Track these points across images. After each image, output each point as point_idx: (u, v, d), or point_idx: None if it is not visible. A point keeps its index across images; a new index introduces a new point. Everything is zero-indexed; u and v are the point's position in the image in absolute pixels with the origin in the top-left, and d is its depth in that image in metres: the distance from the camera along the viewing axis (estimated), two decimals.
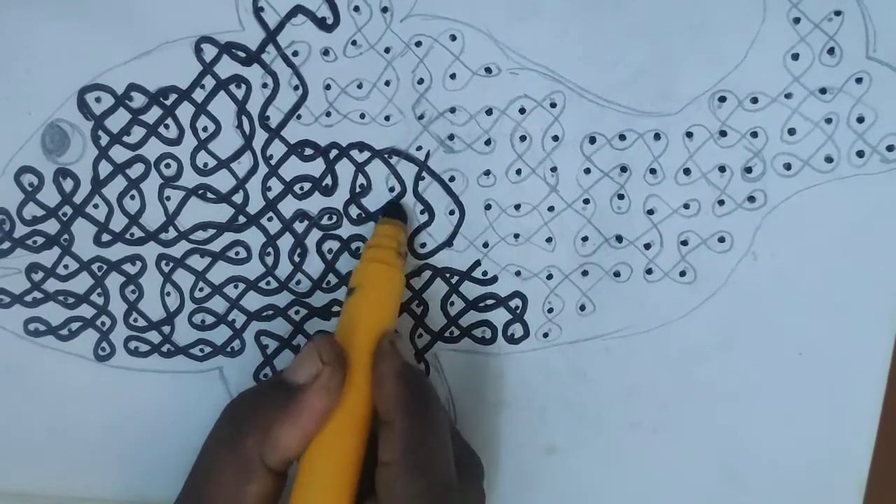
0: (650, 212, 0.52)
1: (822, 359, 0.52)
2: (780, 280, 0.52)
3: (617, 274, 0.53)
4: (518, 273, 0.53)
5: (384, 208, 0.53)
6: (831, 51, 0.49)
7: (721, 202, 0.51)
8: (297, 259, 0.54)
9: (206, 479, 0.45)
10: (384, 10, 0.50)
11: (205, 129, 0.52)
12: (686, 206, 0.51)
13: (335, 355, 0.45)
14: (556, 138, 0.51)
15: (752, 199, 0.51)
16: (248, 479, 0.44)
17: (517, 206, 0.52)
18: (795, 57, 0.49)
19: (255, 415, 0.45)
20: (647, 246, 0.52)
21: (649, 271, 0.52)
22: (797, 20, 0.49)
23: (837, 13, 0.49)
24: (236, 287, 0.55)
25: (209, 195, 0.53)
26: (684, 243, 0.52)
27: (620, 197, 0.52)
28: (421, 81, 0.51)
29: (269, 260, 0.54)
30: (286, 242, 0.54)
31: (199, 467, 0.46)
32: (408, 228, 0.53)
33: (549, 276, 0.53)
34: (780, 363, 0.53)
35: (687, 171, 0.51)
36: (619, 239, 0.52)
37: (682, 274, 0.52)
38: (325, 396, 0.44)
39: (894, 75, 0.49)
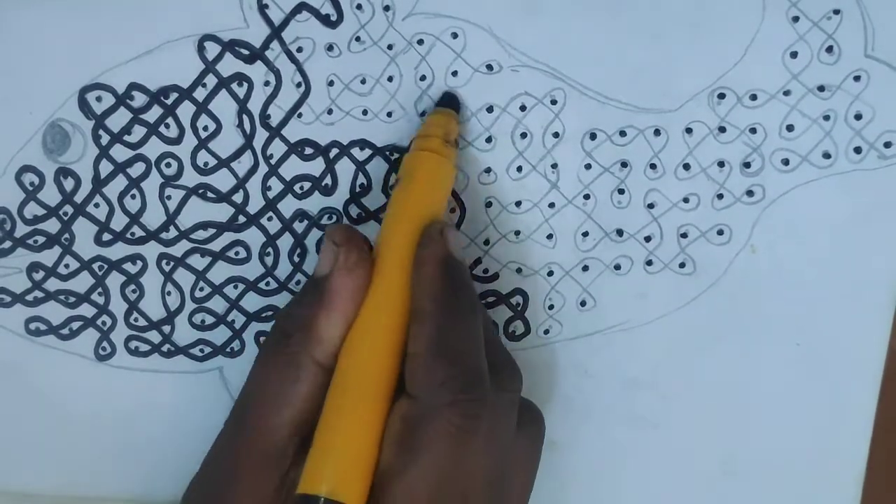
0: (650, 206, 0.52)
1: (820, 349, 0.53)
2: (778, 272, 0.52)
3: (617, 267, 0.53)
4: (519, 270, 0.53)
5: (438, 99, 0.52)
6: (830, 49, 0.49)
7: (720, 196, 0.51)
8: (296, 259, 0.54)
9: (257, 384, 0.46)
10: (386, 8, 0.50)
11: (205, 128, 0.53)
12: (686, 200, 0.52)
13: (346, 235, 0.46)
14: (556, 135, 0.52)
15: (750, 193, 0.51)
16: (297, 377, 0.44)
17: (518, 203, 0.53)
18: (794, 55, 0.50)
19: (295, 315, 0.45)
20: (648, 239, 0.52)
21: (649, 262, 0.53)
22: (796, 19, 0.49)
23: (836, 12, 0.49)
24: (236, 287, 0.55)
25: (209, 194, 0.53)
26: (684, 236, 0.52)
27: (621, 192, 0.52)
28: (423, 78, 0.51)
29: (269, 260, 0.54)
30: (286, 242, 0.54)
31: (250, 377, 0.47)
32: (460, 118, 0.52)
33: (550, 273, 0.53)
34: (777, 354, 0.53)
35: (686, 167, 0.51)
36: (620, 233, 0.52)
37: (682, 265, 0.52)
38: (346, 275, 0.45)
39: (892, 73, 0.49)
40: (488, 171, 0.52)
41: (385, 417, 0.44)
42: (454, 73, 0.51)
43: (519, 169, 0.52)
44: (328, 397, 0.44)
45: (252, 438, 0.45)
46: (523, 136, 0.52)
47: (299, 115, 0.52)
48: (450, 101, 0.52)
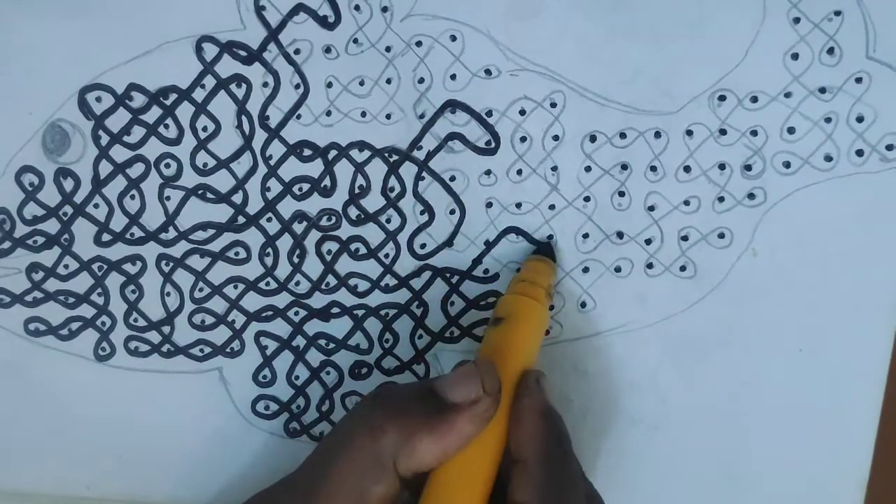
0: (651, 208, 0.52)
1: (823, 355, 0.52)
2: (780, 276, 0.52)
3: (618, 269, 0.53)
4: (519, 271, 0.53)
5: (536, 244, 0.53)
6: (831, 51, 0.49)
7: (721, 199, 0.51)
8: (296, 260, 0.54)
9: (337, 463, 0.44)
10: (384, 9, 0.50)
11: (204, 128, 0.53)
12: (686, 203, 0.51)
13: (497, 387, 0.45)
14: (556, 138, 0.51)
15: (751, 196, 0.51)
16: (377, 478, 0.43)
17: (518, 205, 0.52)
18: (795, 56, 0.49)
19: (400, 419, 0.44)
20: (648, 241, 0.52)
21: (650, 265, 0.52)
22: (797, 20, 0.49)
23: (837, 13, 0.49)
24: (236, 287, 0.55)
25: (209, 195, 0.53)
26: (685, 239, 0.52)
27: (621, 194, 0.52)
28: (421, 81, 0.51)
29: (269, 260, 0.54)
30: (285, 243, 0.54)
31: (331, 448, 0.46)
32: (556, 272, 0.53)
33: None
34: (780, 359, 0.53)
35: (687, 169, 0.51)
36: (620, 235, 0.52)
37: (683, 269, 0.52)
38: (476, 424, 0.44)
39: (893, 75, 0.49)
40: (488, 173, 0.52)
41: None
42: (453, 77, 0.51)
43: (519, 172, 0.52)
44: None
45: None
46: (523, 139, 0.52)
47: (298, 117, 0.52)
48: (549, 252, 0.53)
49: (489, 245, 0.53)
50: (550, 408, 0.46)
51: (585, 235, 0.53)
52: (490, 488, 0.45)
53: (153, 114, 0.52)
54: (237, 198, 0.53)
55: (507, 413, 0.46)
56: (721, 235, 0.52)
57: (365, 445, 0.44)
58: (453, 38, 0.51)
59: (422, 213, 0.53)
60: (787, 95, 0.50)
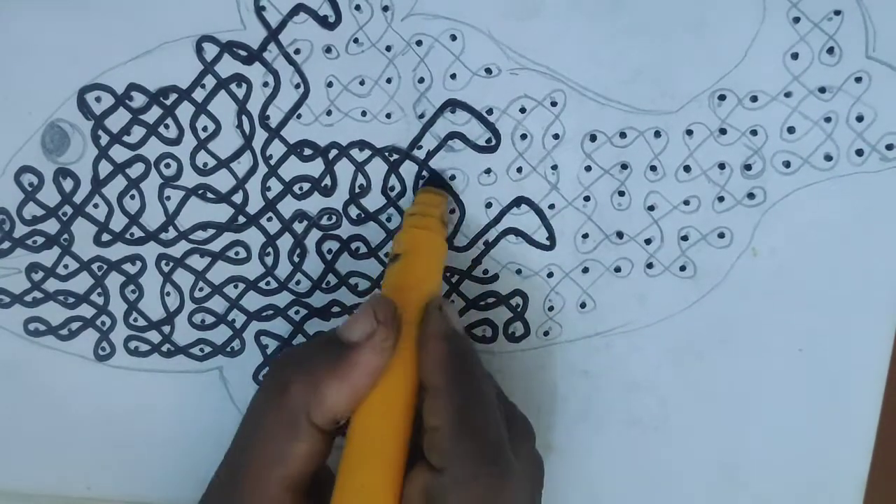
0: (651, 208, 0.52)
1: (822, 355, 0.53)
2: (780, 276, 0.52)
3: (617, 269, 0.53)
4: (519, 271, 0.53)
5: (425, 178, 0.53)
6: (831, 50, 0.49)
7: (721, 199, 0.51)
8: (296, 259, 0.54)
9: (252, 436, 0.44)
10: (385, 8, 0.50)
11: (205, 128, 0.53)
12: (686, 203, 0.51)
13: (391, 315, 0.45)
14: (556, 136, 0.51)
15: (751, 195, 0.51)
16: (295, 435, 0.43)
17: (518, 204, 0.52)
18: (795, 56, 0.49)
19: (304, 370, 0.44)
20: (648, 241, 0.52)
21: (650, 265, 0.52)
22: (797, 20, 0.49)
23: (837, 13, 0.49)
24: (236, 287, 0.55)
25: (209, 195, 0.53)
26: (684, 238, 0.52)
27: (621, 194, 0.52)
28: (422, 80, 0.51)
29: (269, 260, 0.54)
30: (286, 242, 0.54)
31: (245, 423, 0.45)
32: (448, 200, 0.53)
33: (550, 275, 0.53)
34: (779, 359, 0.53)
35: (687, 169, 0.51)
36: (620, 235, 0.52)
37: (683, 268, 0.52)
38: (377, 355, 0.44)
39: (893, 74, 0.49)
40: (488, 171, 0.52)
41: (400, 489, 0.44)
42: (453, 76, 0.51)
43: (519, 170, 0.52)
44: (341, 466, 0.44)
45: (244, 492, 0.44)
46: (523, 137, 0.52)
47: (298, 116, 0.52)
48: (438, 181, 0.53)
49: (489, 245, 0.53)
50: (453, 330, 0.46)
51: (585, 235, 0.53)
52: (411, 419, 0.45)
53: (153, 114, 0.52)
54: (237, 197, 0.53)
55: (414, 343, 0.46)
56: (721, 235, 0.52)
57: (273, 407, 0.44)
58: (453, 38, 0.51)
59: None
60: (787, 95, 0.50)
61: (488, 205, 0.53)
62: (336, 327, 0.45)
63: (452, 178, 0.52)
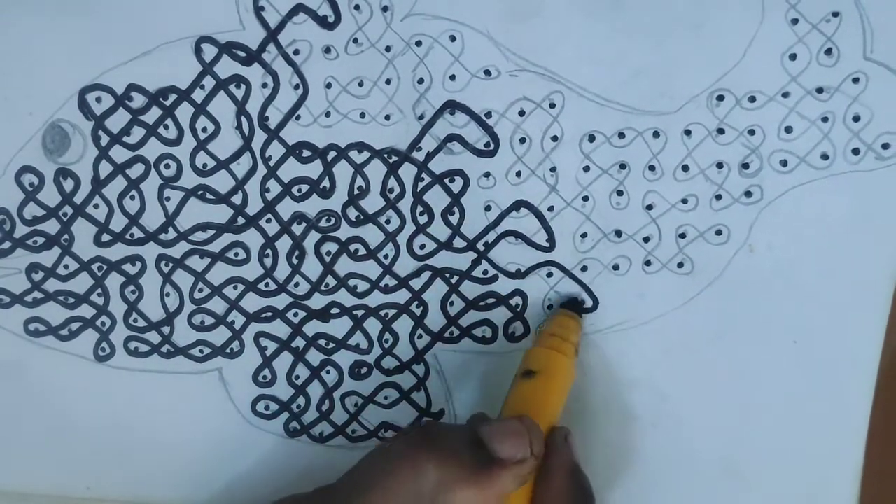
0: (649, 207, 0.52)
1: (816, 347, 0.53)
2: (776, 271, 0.52)
3: (616, 267, 0.53)
4: (518, 271, 0.53)
5: (563, 299, 0.54)
6: (829, 51, 0.49)
7: (718, 197, 0.51)
8: (295, 261, 0.54)
9: (375, 486, 0.45)
10: (384, 8, 0.50)
11: (204, 129, 0.53)
12: (684, 201, 0.52)
13: (541, 451, 0.46)
14: (555, 138, 0.52)
15: (748, 194, 0.51)
16: (420, 492, 0.44)
17: (517, 207, 0.53)
18: (793, 57, 0.49)
19: (447, 464, 0.45)
20: (646, 239, 0.52)
21: (648, 263, 0.53)
22: (795, 21, 0.49)
23: (835, 14, 0.49)
24: (235, 288, 0.55)
25: (208, 196, 0.53)
26: (682, 236, 0.52)
27: (620, 193, 0.52)
28: (421, 81, 0.51)
29: (268, 261, 0.54)
30: (285, 244, 0.54)
31: (374, 471, 0.46)
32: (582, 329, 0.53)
33: (549, 275, 0.53)
34: (775, 352, 0.53)
35: (685, 168, 0.51)
36: (619, 233, 0.52)
37: (680, 265, 0.52)
38: (517, 483, 0.45)
39: (890, 75, 0.49)
40: (487, 175, 0.52)
41: None
42: (452, 77, 0.51)
43: (518, 174, 0.52)
44: None
45: None
46: (522, 141, 0.52)
47: (297, 118, 0.52)
48: (576, 307, 0.53)
49: (488, 246, 0.53)
50: (578, 468, 0.48)
51: (584, 235, 0.53)
52: None
53: (153, 114, 0.53)
54: (237, 198, 0.53)
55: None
56: (718, 232, 0.52)
57: (408, 480, 0.45)
58: (453, 39, 0.51)
59: (421, 214, 0.53)
60: (785, 95, 0.50)
61: (487, 208, 0.53)
62: (485, 427, 0.46)
63: (452, 180, 0.53)
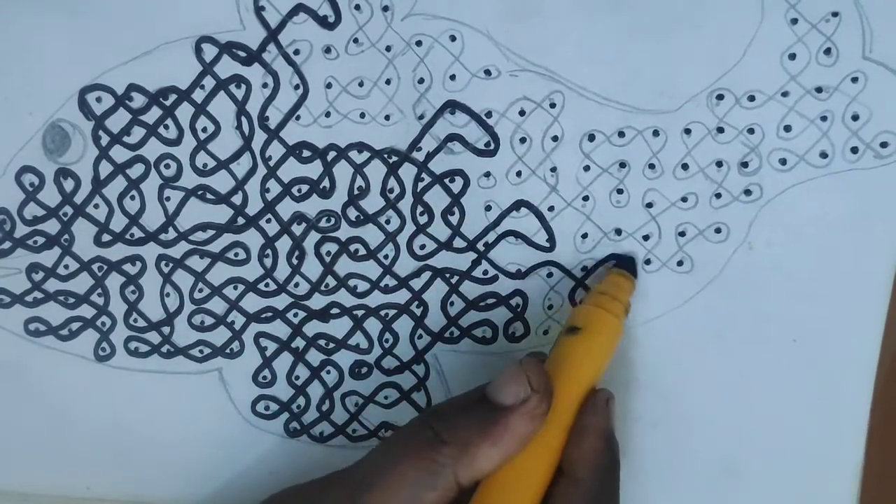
0: (649, 205, 0.52)
1: (816, 345, 0.53)
2: (775, 270, 0.52)
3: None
4: (518, 271, 0.53)
5: (618, 258, 0.53)
6: (828, 51, 0.49)
7: (718, 195, 0.51)
8: (295, 261, 0.54)
9: (393, 466, 0.45)
10: (385, 8, 0.51)
11: (204, 129, 0.53)
12: (684, 199, 0.52)
13: (545, 383, 0.45)
14: (555, 138, 0.52)
15: (748, 192, 0.51)
16: (433, 485, 0.44)
17: (517, 207, 0.53)
18: (792, 57, 0.50)
19: (456, 428, 0.44)
20: (646, 237, 0.52)
21: (647, 261, 0.53)
22: (794, 20, 0.49)
23: (835, 14, 0.49)
24: (235, 288, 0.55)
25: (208, 196, 0.53)
26: (682, 234, 0.52)
27: (619, 192, 0.52)
28: (421, 81, 0.51)
29: (268, 262, 0.54)
30: (285, 244, 0.54)
31: (391, 453, 0.46)
32: (635, 289, 0.53)
33: (550, 275, 0.53)
34: (774, 350, 0.53)
35: (685, 167, 0.51)
36: (619, 232, 0.52)
37: (680, 263, 0.52)
38: (529, 422, 0.44)
39: (889, 75, 0.49)
40: (487, 175, 0.52)
41: None
42: (452, 77, 0.51)
43: (518, 174, 0.52)
44: None
45: None
46: (522, 141, 0.52)
47: (297, 118, 0.52)
48: (630, 267, 0.53)
49: (488, 246, 0.53)
50: (612, 433, 0.48)
51: (584, 235, 0.53)
52: (541, 496, 0.46)
53: (153, 114, 0.53)
54: (237, 199, 0.54)
55: (569, 423, 0.47)
56: (717, 230, 0.52)
57: (424, 458, 0.44)
58: (453, 38, 0.51)
59: (421, 214, 0.53)
60: (784, 94, 0.50)
61: (488, 208, 0.53)
62: (488, 384, 0.46)
63: (452, 180, 0.53)
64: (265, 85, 0.52)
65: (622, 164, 0.52)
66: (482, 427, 0.44)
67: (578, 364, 0.48)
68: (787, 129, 0.50)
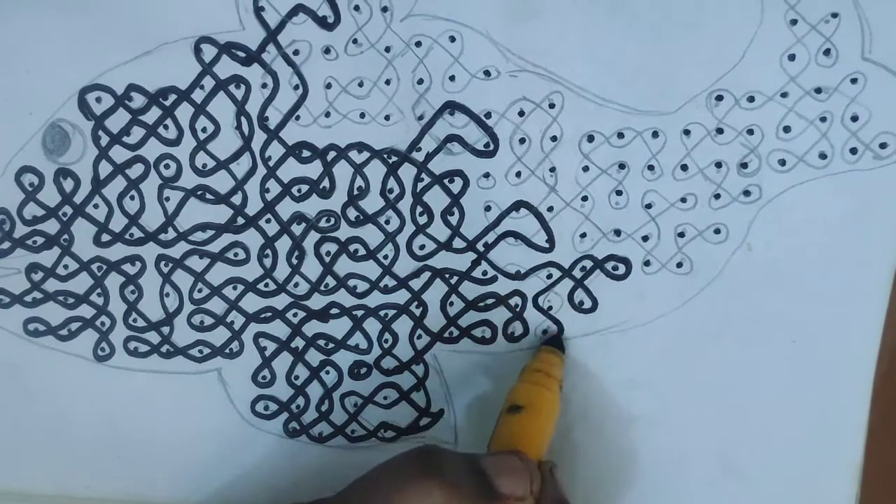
0: (648, 206, 0.52)
1: (814, 346, 0.53)
2: (774, 270, 0.52)
3: (615, 268, 0.53)
4: (518, 272, 0.53)
5: (546, 337, 0.55)
6: (827, 52, 0.49)
7: (717, 196, 0.51)
8: (294, 261, 0.54)
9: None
10: (384, 9, 0.50)
11: (204, 129, 0.53)
12: (683, 200, 0.52)
13: (538, 490, 0.47)
14: (554, 138, 0.52)
15: (747, 193, 0.51)
16: None
17: (517, 207, 0.53)
18: (792, 57, 0.50)
19: (452, 491, 0.45)
20: (645, 238, 0.52)
21: (647, 263, 0.53)
22: (794, 22, 0.49)
23: (834, 15, 0.49)
24: (235, 288, 0.55)
25: (208, 196, 0.53)
26: (681, 235, 0.52)
27: (619, 193, 0.52)
28: (421, 82, 0.51)
29: (268, 262, 0.54)
30: (284, 244, 0.54)
31: (379, 488, 0.46)
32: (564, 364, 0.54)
33: (549, 276, 0.53)
34: (773, 351, 0.53)
35: (684, 167, 0.51)
36: (618, 233, 0.52)
37: (679, 265, 0.52)
38: None
39: (889, 76, 0.49)
40: (487, 175, 0.52)
41: None
42: (451, 78, 0.51)
43: (518, 174, 0.52)
44: None
45: None
46: (522, 141, 0.52)
47: (297, 118, 0.52)
48: (559, 344, 0.54)
49: (488, 247, 0.53)
50: (564, 499, 0.48)
51: (583, 235, 0.53)
52: None
53: (153, 114, 0.53)
54: (236, 199, 0.54)
55: None
56: (717, 231, 0.52)
57: (414, 500, 0.45)
58: (452, 39, 0.51)
59: (421, 214, 0.53)
60: (784, 95, 0.50)
61: (487, 208, 0.53)
62: (488, 461, 0.47)
63: (451, 181, 0.53)
64: (265, 85, 0.52)
65: (621, 165, 0.52)
66: (475, 501, 0.45)
67: (526, 441, 0.49)
68: (787, 129, 0.50)
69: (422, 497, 0.44)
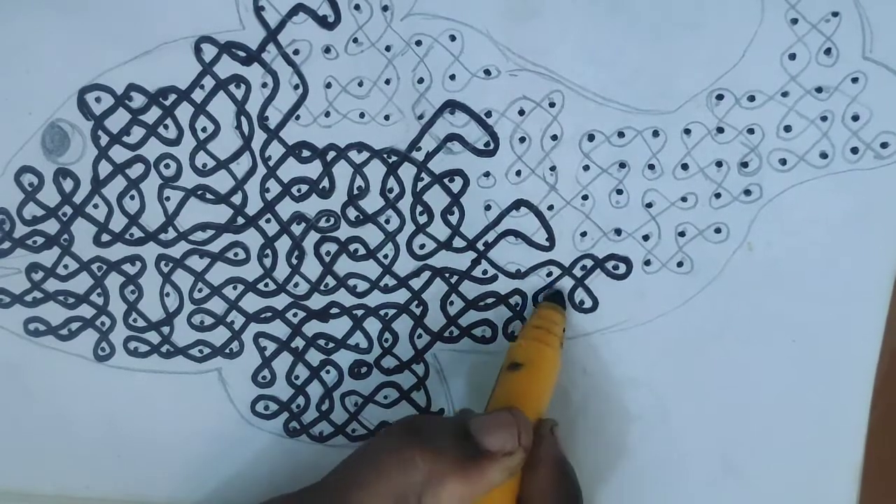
0: (648, 205, 0.52)
1: (815, 346, 0.53)
2: (775, 269, 0.52)
3: (616, 267, 0.53)
4: (518, 271, 0.53)
5: (547, 293, 0.54)
6: (828, 51, 0.49)
7: (718, 195, 0.51)
8: (294, 261, 0.54)
9: (364, 484, 0.45)
10: (385, 8, 0.50)
11: (204, 129, 0.53)
12: (684, 199, 0.52)
13: (531, 444, 0.46)
14: (554, 137, 0.52)
15: (748, 192, 0.51)
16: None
17: (517, 206, 0.53)
18: (792, 57, 0.49)
19: (433, 456, 0.44)
20: (646, 237, 0.52)
21: (647, 262, 0.53)
22: (795, 21, 0.49)
23: (835, 14, 0.49)
24: (235, 288, 0.55)
25: (208, 196, 0.53)
26: (682, 234, 0.52)
27: (619, 192, 0.52)
28: (421, 81, 0.51)
29: (268, 262, 0.54)
30: (284, 244, 0.54)
31: (361, 468, 0.46)
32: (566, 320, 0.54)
33: (549, 274, 0.53)
34: (773, 350, 0.53)
35: (685, 167, 0.51)
36: (618, 232, 0.52)
37: (680, 264, 0.52)
38: (506, 474, 0.45)
39: (889, 75, 0.49)
40: (487, 174, 0.52)
41: None
42: (452, 77, 0.51)
43: (518, 173, 0.52)
44: None
45: None
46: (522, 140, 0.52)
47: (297, 118, 0.52)
48: (560, 300, 0.53)
49: (488, 246, 0.53)
50: (564, 459, 0.48)
51: (583, 234, 0.53)
52: None
53: (153, 114, 0.53)
54: (236, 198, 0.54)
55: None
56: (717, 230, 0.52)
57: (394, 475, 0.44)
58: (453, 38, 0.51)
59: (421, 213, 0.53)
60: (784, 94, 0.50)
61: (487, 207, 0.53)
62: (474, 420, 0.46)
63: (451, 180, 0.53)
64: (265, 85, 0.52)
65: (622, 164, 0.52)
66: (459, 464, 0.44)
67: (525, 399, 0.49)
68: (787, 129, 0.50)
69: (404, 467, 0.44)
